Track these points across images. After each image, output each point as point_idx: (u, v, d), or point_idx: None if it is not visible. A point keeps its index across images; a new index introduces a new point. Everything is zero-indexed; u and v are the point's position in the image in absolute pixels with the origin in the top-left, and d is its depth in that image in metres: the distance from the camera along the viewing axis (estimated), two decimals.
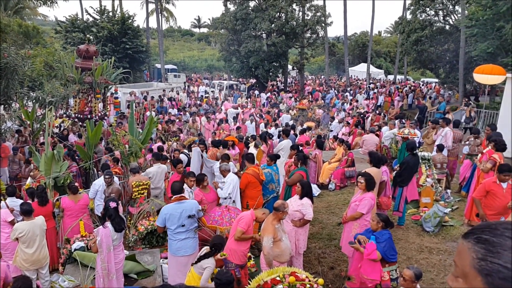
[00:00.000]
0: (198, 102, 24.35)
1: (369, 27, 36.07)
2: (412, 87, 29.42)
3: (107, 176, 7.31)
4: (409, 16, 27.46)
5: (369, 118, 17.04)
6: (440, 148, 9.59)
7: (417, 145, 10.08)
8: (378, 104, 24.01)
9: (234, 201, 7.09)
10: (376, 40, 49.91)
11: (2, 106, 10.04)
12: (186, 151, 10.71)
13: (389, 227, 5.07)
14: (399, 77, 40.92)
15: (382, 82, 37.21)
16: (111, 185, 7.28)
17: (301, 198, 5.92)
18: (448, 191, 9.20)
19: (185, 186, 6.34)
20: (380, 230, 4.99)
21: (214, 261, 4.97)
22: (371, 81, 35.42)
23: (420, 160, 8.60)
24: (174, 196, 5.70)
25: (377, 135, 12.00)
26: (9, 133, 9.18)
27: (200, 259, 4.96)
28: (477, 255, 1.18)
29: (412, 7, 25.48)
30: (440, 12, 24.82)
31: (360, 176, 5.82)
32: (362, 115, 17.71)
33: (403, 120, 15.04)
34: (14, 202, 6.85)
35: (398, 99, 24.77)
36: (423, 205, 8.48)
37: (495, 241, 1.17)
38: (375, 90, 27.83)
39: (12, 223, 5.91)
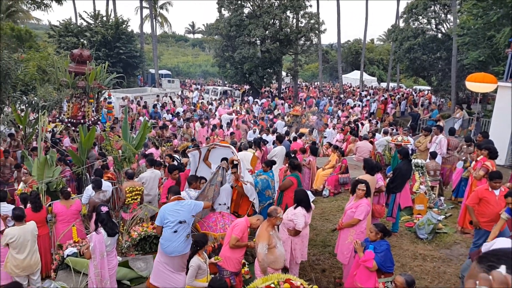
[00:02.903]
0: (192, 107, 24.31)
1: (362, 35, 36.43)
2: (404, 95, 29.65)
3: (93, 185, 7.23)
4: (402, 24, 27.78)
5: (364, 125, 17.13)
6: (433, 155, 9.65)
7: (410, 152, 10.14)
8: (371, 111, 24.15)
9: (228, 207, 7.08)
10: (369, 48, 50.32)
11: None
12: (176, 156, 10.68)
13: (387, 236, 5.08)
14: (392, 84, 41.25)
15: (375, 89, 37.46)
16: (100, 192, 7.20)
17: (295, 207, 5.85)
18: (442, 198, 9.25)
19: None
20: (379, 240, 5.00)
21: (197, 260, 4.94)
22: (364, 88, 35.65)
23: (414, 167, 8.65)
24: (173, 197, 5.71)
25: (370, 142, 12.06)
26: (1, 137, 9.08)
27: (188, 261, 4.98)
28: None
29: (405, 15, 25.77)
30: (433, 21, 25.12)
31: (361, 184, 5.81)
32: (355, 122, 17.79)
33: (396, 127, 15.15)
34: (6, 208, 6.75)
35: (391, 106, 24.94)
36: (417, 212, 8.52)
37: None
38: (368, 97, 28.01)
39: (1, 232, 5.82)
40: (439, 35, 25.23)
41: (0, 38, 8.25)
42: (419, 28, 25.03)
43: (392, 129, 15.81)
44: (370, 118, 19.77)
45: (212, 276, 5.18)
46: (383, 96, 28.31)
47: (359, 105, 25.42)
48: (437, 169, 9.45)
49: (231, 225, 5.59)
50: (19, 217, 5.69)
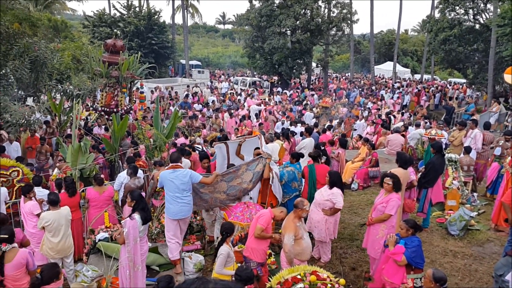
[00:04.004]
0: (221, 98, 24.46)
1: (396, 25, 35.51)
2: (439, 87, 28.75)
3: (130, 171, 7.44)
4: (437, 15, 26.82)
5: (397, 118, 16.77)
6: (468, 150, 9.34)
7: (444, 146, 9.87)
8: (404, 103, 23.58)
9: (251, 198, 7.08)
10: (403, 39, 48.96)
11: (32, 98, 10.33)
12: (200, 147, 10.78)
13: (418, 231, 4.99)
14: (426, 76, 40.08)
15: (408, 81, 36.51)
16: (136, 178, 7.40)
17: (330, 187, 6.18)
18: (475, 194, 8.97)
19: None
20: (410, 236, 4.92)
21: (227, 248, 5.01)
22: (397, 80, 34.83)
23: (447, 162, 8.42)
24: (170, 164, 6.12)
25: (402, 135, 11.78)
26: (37, 124, 9.43)
27: (216, 250, 5.03)
28: None
29: (440, 6, 24.85)
30: (470, 11, 24.10)
31: (387, 177, 5.74)
32: (387, 115, 17.43)
33: (430, 121, 14.75)
34: (41, 192, 7.03)
35: (424, 99, 24.28)
36: (449, 207, 8.30)
37: None
38: (401, 89, 27.34)
39: (39, 215, 6.07)
40: (477, 26, 24.20)
41: (38, 29, 8.51)
42: (456, 19, 24.07)
43: (426, 123, 15.40)
44: (403, 111, 19.33)
45: (239, 265, 5.24)
46: (417, 88, 27.58)
47: (391, 97, 24.87)
48: (471, 164, 9.16)
49: (256, 216, 5.63)
50: (54, 202, 5.90)
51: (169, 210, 5.95)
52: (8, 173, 7.93)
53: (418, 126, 13.23)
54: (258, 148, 7.38)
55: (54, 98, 12.36)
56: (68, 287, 5.81)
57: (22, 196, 6.58)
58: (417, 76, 40.95)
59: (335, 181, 6.27)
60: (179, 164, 6.14)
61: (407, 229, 4.92)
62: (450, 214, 7.90)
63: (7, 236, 4.56)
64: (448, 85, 32.99)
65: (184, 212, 5.98)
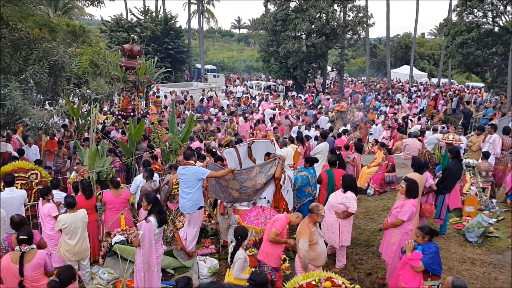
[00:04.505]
0: (236, 102, 24.56)
1: (413, 29, 35.22)
2: (456, 91, 28.32)
3: (146, 174, 7.53)
4: (454, 18, 26.47)
5: (413, 122, 16.57)
6: (486, 155, 9.17)
7: (463, 152, 9.71)
8: (421, 108, 23.30)
9: (268, 201, 7.08)
10: (420, 42, 48.48)
11: (50, 102, 10.52)
12: (215, 151, 10.82)
13: (434, 236, 4.93)
14: (443, 80, 39.56)
15: (425, 85, 36.06)
16: (152, 181, 7.47)
17: (344, 191, 6.19)
18: (494, 200, 8.79)
19: None
20: (427, 242, 4.86)
21: (243, 252, 5.02)
22: (413, 84, 34.45)
23: (465, 168, 8.28)
24: (183, 162, 6.47)
25: (419, 140, 11.62)
26: (55, 127, 9.61)
27: (232, 255, 5.03)
28: None
29: (458, 9, 24.51)
30: (489, 13, 23.71)
31: (403, 181, 5.70)
32: (404, 119, 17.23)
33: (447, 125, 14.53)
34: (58, 195, 7.14)
35: (442, 103, 23.95)
36: (466, 214, 8.15)
37: None
38: (418, 93, 27.02)
39: (56, 217, 6.17)
40: (496, 29, 23.80)
41: (57, 34, 8.70)
42: (474, 22, 23.70)
43: (443, 127, 15.18)
44: (420, 115, 19.08)
45: (253, 269, 5.24)
46: (434, 92, 27.21)
47: (407, 101, 24.60)
48: (489, 170, 8.98)
49: (271, 220, 5.62)
50: (71, 205, 5.99)
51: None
52: (27, 176, 8.08)
53: (435, 130, 13.04)
54: (269, 153, 7.39)
55: (72, 102, 12.56)
56: None
57: (40, 198, 6.70)
58: (434, 80, 40.47)
59: (350, 184, 6.28)
60: (190, 161, 6.44)
61: (423, 236, 4.87)
62: (468, 220, 7.76)
63: (26, 237, 4.65)
64: (465, 89, 32.49)
65: (184, 207, 6.33)
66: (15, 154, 10.19)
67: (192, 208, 6.31)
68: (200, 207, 6.45)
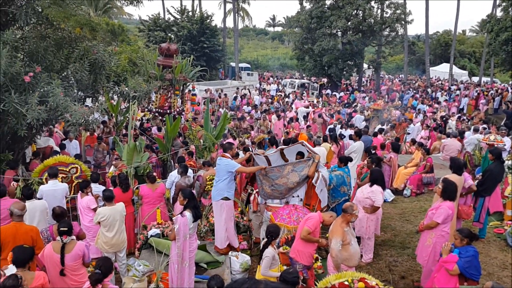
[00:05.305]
0: (270, 100, 24.55)
1: (453, 26, 34.06)
2: (499, 90, 27.09)
3: (180, 170, 7.69)
4: (499, 14, 25.34)
5: (452, 122, 16.00)
6: None
7: (507, 153, 9.30)
8: (461, 107, 22.47)
9: (301, 199, 7.04)
10: (460, 40, 46.68)
11: (90, 99, 10.89)
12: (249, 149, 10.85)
13: (474, 240, 4.76)
14: (484, 79, 37.91)
15: (465, 84, 34.73)
16: (186, 177, 7.61)
17: (371, 185, 6.23)
18: None
19: None
20: (465, 246, 4.70)
21: (272, 250, 5.02)
22: (453, 83, 33.26)
23: (507, 170, 7.93)
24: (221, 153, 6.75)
25: (459, 140, 11.21)
26: (95, 124, 9.96)
27: (261, 251, 5.04)
28: None
29: (504, 4, 23.46)
30: None
31: (440, 182, 5.54)
32: (443, 118, 16.67)
33: (488, 126, 13.93)
34: (97, 188, 7.40)
35: (483, 102, 22.99)
36: (508, 218, 7.81)
37: None
38: (458, 92, 26.05)
39: (95, 210, 6.38)
40: None
41: (97, 33, 8.98)
42: None
43: (484, 128, 14.57)
44: (460, 115, 18.41)
45: (285, 267, 5.24)
46: (475, 91, 26.16)
47: (447, 100, 23.78)
48: None
49: (304, 218, 5.60)
50: (109, 198, 6.19)
51: None
52: (67, 170, 8.41)
53: (476, 131, 12.54)
54: (301, 152, 7.30)
55: (112, 99, 12.95)
56: (121, 280, 6.05)
57: (79, 191, 6.96)
58: (475, 79, 38.87)
59: (377, 178, 6.31)
60: (226, 154, 6.61)
61: (461, 239, 4.71)
62: (509, 224, 7.43)
63: (66, 228, 4.85)
64: (508, 88, 31.03)
65: (212, 195, 6.57)
66: (57, 148, 10.65)
67: (216, 197, 6.47)
68: (225, 198, 6.44)
